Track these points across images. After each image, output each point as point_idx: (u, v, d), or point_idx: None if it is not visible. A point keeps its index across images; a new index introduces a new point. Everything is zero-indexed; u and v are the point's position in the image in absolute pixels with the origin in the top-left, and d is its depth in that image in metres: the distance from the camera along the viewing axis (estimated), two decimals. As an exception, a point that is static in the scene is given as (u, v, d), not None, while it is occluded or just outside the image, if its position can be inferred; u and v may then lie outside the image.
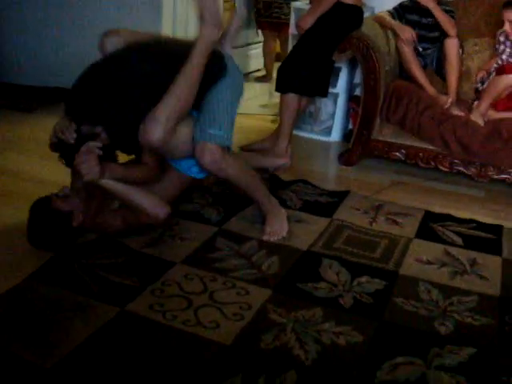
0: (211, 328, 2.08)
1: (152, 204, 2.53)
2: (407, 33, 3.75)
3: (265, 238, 2.77)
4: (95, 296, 2.23)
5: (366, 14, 3.89)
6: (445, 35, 3.76)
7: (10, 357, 1.88)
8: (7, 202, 2.96)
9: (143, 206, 2.51)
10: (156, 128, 2.38)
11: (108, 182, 2.45)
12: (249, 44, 6.65)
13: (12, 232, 2.53)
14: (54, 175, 3.31)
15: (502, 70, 3.58)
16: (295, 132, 4.44)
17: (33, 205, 2.49)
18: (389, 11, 3.93)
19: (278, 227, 2.82)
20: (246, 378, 1.84)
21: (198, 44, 2.45)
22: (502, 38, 3.71)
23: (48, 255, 2.48)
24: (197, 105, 2.55)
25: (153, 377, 1.83)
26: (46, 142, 3.43)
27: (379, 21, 3.86)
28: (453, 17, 3.78)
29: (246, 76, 6.57)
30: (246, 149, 3.99)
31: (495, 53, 3.81)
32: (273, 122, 4.44)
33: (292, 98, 3.76)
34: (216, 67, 2.61)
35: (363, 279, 2.48)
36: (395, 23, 3.81)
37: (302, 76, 3.72)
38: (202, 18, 2.45)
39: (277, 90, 3.84)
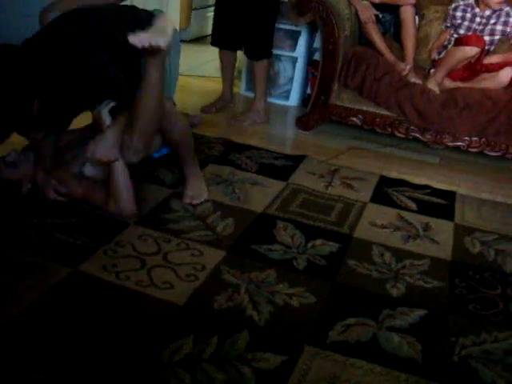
0: (164, 288, 2.07)
1: (127, 199, 2.45)
2: (367, 14, 3.74)
3: (187, 201, 2.72)
4: (46, 256, 2.19)
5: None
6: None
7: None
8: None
9: (120, 195, 2.43)
10: (137, 156, 2.37)
11: (120, 165, 2.40)
12: (208, 6, 6.57)
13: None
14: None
15: (459, 41, 3.59)
16: (253, 95, 4.44)
17: None
18: None
19: (199, 190, 2.77)
20: (198, 338, 1.83)
21: (152, 58, 2.29)
22: (459, 13, 3.69)
23: (-2, 214, 2.44)
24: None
25: (105, 337, 1.81)
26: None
27: None
28: None
29: (205, 38, 6.51)
30: (207, 109, 4.00)
31: (445, 29, 3.81)
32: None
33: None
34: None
35: (317, 242, 2.49)
36: (357, 1, 3.79)
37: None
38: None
39: (251, 57, 3.92)
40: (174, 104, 2.67)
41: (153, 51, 2.17)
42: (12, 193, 2.46)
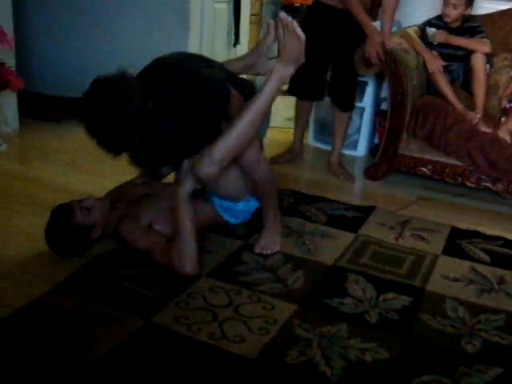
0: (236, 342, 2.07)
1: (192, 257, 2.47)
2: (434, 64, 3.73)
3: (257, 250, 2.74)
4: (120, 307, 2.23)
5: (394, 29, 3.87)
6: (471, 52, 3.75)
7: (37, 366, 1.88)
8: (33, 211, 2.98)
9: (185, 252, 2.45)
10: (209, 167, 2.39)
11: (188, 206, 2.48)
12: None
13: (38, 241, 2.54)
14: (82, 185, 3.36)
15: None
16: (322, 146, 4.47)
17: (53, 212, 2.52)
18: (418, 26, 3.92)
19: (271, 241, 2.78)
20: (271, 393, 1.83)
21: (269, 81, 2.40)
22: None
23: (74, 264, 2.50)
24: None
25: (178, 390, 1.83)
26: (73, 152, 3.46)
27: (410, 41, 3.82)
28: (481, 31, 3.77)
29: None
30: (278, 160, 4.09)
31: None
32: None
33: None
34: (248, 88, 2.68)
35: (389, 295, 2.46)
36: (425, 51, 3.78)
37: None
38: (281, 55, 2.45)
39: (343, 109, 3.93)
40: (262, 148, 2.72)
41: None
42: (83, 236, 2.52)
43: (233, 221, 2.83)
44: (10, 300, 2.24)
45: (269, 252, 2.73)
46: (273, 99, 2.44)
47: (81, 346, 2.00)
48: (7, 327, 2.08)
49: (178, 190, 2.49)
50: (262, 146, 2.75)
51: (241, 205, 2.78)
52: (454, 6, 3.68)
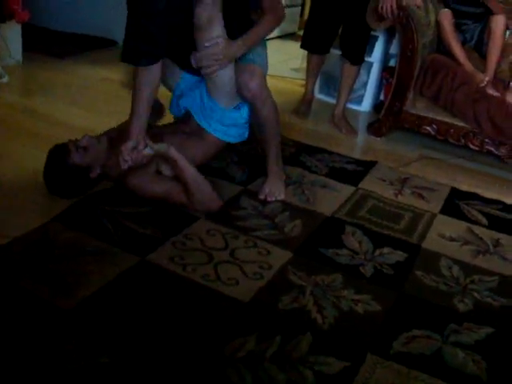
0: (230, 285, 2.08)
1: (210, 195, 2.51)
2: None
3: (261, 196, 2.74)
4: (116, 243, 2.24)
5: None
6: (490, 12, 3.68)
7: (30, 296, 1.89)
8: (36, 144, 2.95)
9: (203, 193, 2.49)
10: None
11: (182, 158, 2.45)
12: (285, 6, 6.59)
13: (37, 174, 2.52)
14: (82, 121, 3.34)
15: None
16: (326, 98, 4.44)
17: (50, 152, 2.46)
18: None
19: (276, 188, 2.78)
20: (261, 337, 1.83)
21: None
22: None
23: (73, 199, 2.49)
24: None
25: (168, 327, 1.83)
26: (75, 87, 3.41)
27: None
28: None
29: (281, 37, 6.53)
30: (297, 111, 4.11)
31: None
32: (302, 86, 4.39)
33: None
34: None
35: (385, 250, 2.46)
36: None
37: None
38: None
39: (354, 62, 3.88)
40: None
41: None
42: (82, 177, 2.49)
43: (236, 139, 2.77)
44: (7, 229, 2.24)
45: (273, 199, 2.74)
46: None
47: (74, 279, 2.00)
48: (2, 255, 2.08)
49: (166, 149, 2.46)
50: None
51: (234, 113, 2.70)
52: None
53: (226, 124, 2.66)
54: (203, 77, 2.59)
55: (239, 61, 2.57)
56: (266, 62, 2.71)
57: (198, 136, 2.65)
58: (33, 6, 4.21)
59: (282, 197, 2.77)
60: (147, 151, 2.41)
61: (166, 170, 2.56)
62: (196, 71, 2.59)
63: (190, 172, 2.46)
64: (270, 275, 2.16)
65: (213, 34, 2.43)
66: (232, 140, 2.74)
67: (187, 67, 2.63)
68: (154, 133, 2.57)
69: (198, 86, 2.68)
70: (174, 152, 2.44)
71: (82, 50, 4.99)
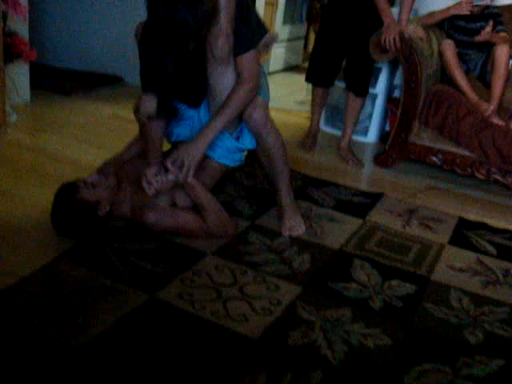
0: (239, 321, 2.07)
1: (226, 218, 2.61)
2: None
3: (286, 233, 2.75)
4: (125, 281, 2.23)
5: (411, 16, 3.84)
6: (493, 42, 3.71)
7: (39, 336, 1.89)
8: (43, 182, 2.98)
9: (220, 216, 2.58)
10: None
11: (199, 184, 2.52)
12: (289, 40, 6.67)
13: (45, 212, 2.54)
14: (91, 158, 3.36)
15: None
16: (332, 131, 4.47)
17: (58, 191, 2.47)
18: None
19: (297, 222, 2.81)
20: (272, 375, 1.82)
21: None
22: None
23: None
24: None
25: (177, 365, 1.83)
26: (83, 125, 3.43)
27: (428, 19, 3.81)
28: (502, 22, 3.74)
29: (286, 70, 6.59)
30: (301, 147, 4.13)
31: None
32: (308, 118, 4.43)
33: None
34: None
35: (394, 282, 2.45)
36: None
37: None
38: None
39: (358, 94, 3.92)
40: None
41: None
42: (90, 215, 2.50)
43: (234, 164, 2.79)
44: (15, 269, 2.24)
45: (296, 234, 2.75)
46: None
47: (83, 318, 2.00)
48: (12, 296, 2.08)
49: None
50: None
51: (235, 142, 2.72)
52: None
53: (231, 150, 2.70)
54: (203, 105, 2.64)
55: None
56: (268, 93, 2.73)
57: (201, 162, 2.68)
58: (39, 44, 4.26)
59: (303, 228, 2.79)
60: (170, 177, 2.49)
61: (180, 201, 2.60)
62: (192, 103, 2.66)
63: (208, 196, 2.55)
64: (279, 311, 2.16)
65: (230, 67, 2.48)
66: (234, 164, 2.79)
67: (185, 101, 2.69)
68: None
69: (194, 115, 2.72)
70: (192, 179, 2.50)
71: (89, 87, 5.05)
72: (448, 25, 3.86)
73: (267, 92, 2.70)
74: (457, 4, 3.77)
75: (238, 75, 2.48)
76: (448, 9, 3.81)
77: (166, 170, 2.50)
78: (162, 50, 2.44)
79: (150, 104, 2.49)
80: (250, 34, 2.45)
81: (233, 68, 2.48)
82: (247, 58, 2.46)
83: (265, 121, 2.60)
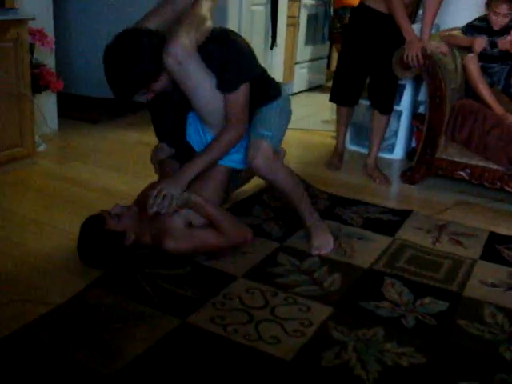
0: (272, 343, 2.07)
1: (239, 224, 2.67)
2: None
3: (315, 252, 2.76)
4: (157, 306, 2.25)
5: (432, 31, 3.84)
6: None
7: (74, 363, 1.91)
8: (73, 210, 3.02)
9: (234, 224, 2.62)
10: None
11: (202, 199, 2.57)
12: (312, 60, 6.70)
13: (75, 240, 2.56)
14: (120, 185, 3.40)
15: None
16: (358, 149, 4.46)
17: (84, 223, 2.51)
18: (461, 29, 3.88)
19: (324, 240, 2.81)
20: (307, 396, 1.82)
21: None
22: None
23: (112, 264, 2.52)
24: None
25: (213, 390, 1.83)
26: (110, 152, 3.45)
27: (450, 39, 3.80)
28: None
29: (310, 90, 6.62)
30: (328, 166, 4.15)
31: None
32: (333, 138, 4.43)
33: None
34: (273, 89, 2.76)
35: (426, 300, 2.43)
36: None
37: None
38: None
39: (383, 112, 3.92)
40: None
41: None
42: (118, 244, 2.52)
43: (240, 166, 2.82)
44: (48, 297, 2.27)
45: (325, 252, 2.76)
46: None
47: (117, 344, 2.02)
48: (46, 324, 2.10)
49: (189, 198, 2.57)
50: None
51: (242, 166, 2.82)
52: (506, 16, 3.65)
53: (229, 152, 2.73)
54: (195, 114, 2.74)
55: (250, 132, 2.67)
56: (281, 128, 2.76)
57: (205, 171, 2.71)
58: (65, 74, 4.33)
59: (331, 246, 2.80)
60: (153, 209, 2.52)
61: (195, 220, 2.62)
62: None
63: (216, 209, 2.61)
64: (312, 332, 2.15)
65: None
66: (239, 166, 2.81)
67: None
68: None
69: (191, 122, 2.79)
70: (195, 198, 2.57)
71: (114, 114, 5.11)
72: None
73: (278, 129, 2.72)
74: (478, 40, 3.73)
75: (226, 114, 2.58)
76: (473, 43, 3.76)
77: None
78: (157, 108, 2.79)
79: (158, 152, 2.86)
80: (235, 73, 2.51)
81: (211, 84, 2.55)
82: (231, 99, 2.54)
83: (266, 167, 2.62)
